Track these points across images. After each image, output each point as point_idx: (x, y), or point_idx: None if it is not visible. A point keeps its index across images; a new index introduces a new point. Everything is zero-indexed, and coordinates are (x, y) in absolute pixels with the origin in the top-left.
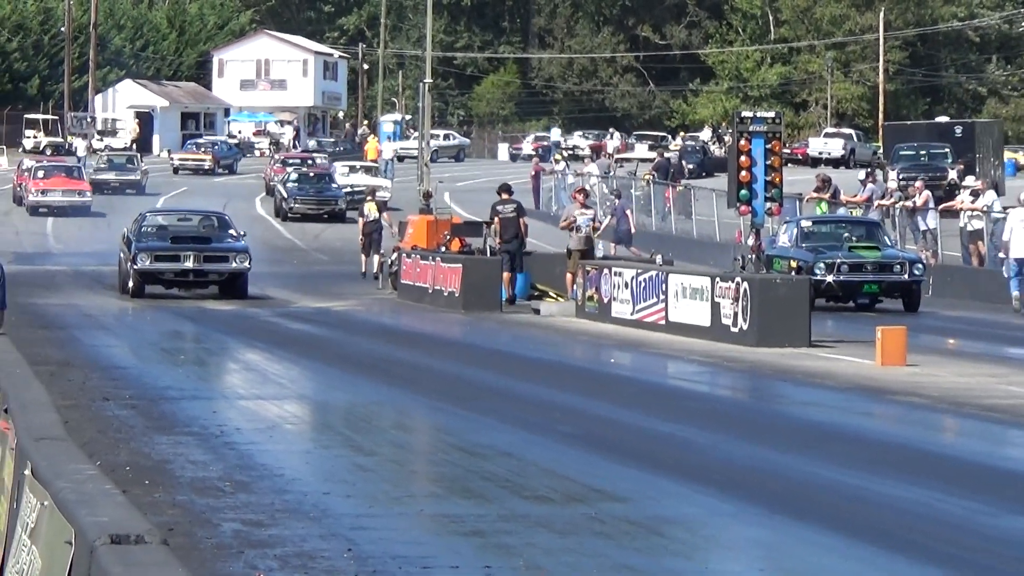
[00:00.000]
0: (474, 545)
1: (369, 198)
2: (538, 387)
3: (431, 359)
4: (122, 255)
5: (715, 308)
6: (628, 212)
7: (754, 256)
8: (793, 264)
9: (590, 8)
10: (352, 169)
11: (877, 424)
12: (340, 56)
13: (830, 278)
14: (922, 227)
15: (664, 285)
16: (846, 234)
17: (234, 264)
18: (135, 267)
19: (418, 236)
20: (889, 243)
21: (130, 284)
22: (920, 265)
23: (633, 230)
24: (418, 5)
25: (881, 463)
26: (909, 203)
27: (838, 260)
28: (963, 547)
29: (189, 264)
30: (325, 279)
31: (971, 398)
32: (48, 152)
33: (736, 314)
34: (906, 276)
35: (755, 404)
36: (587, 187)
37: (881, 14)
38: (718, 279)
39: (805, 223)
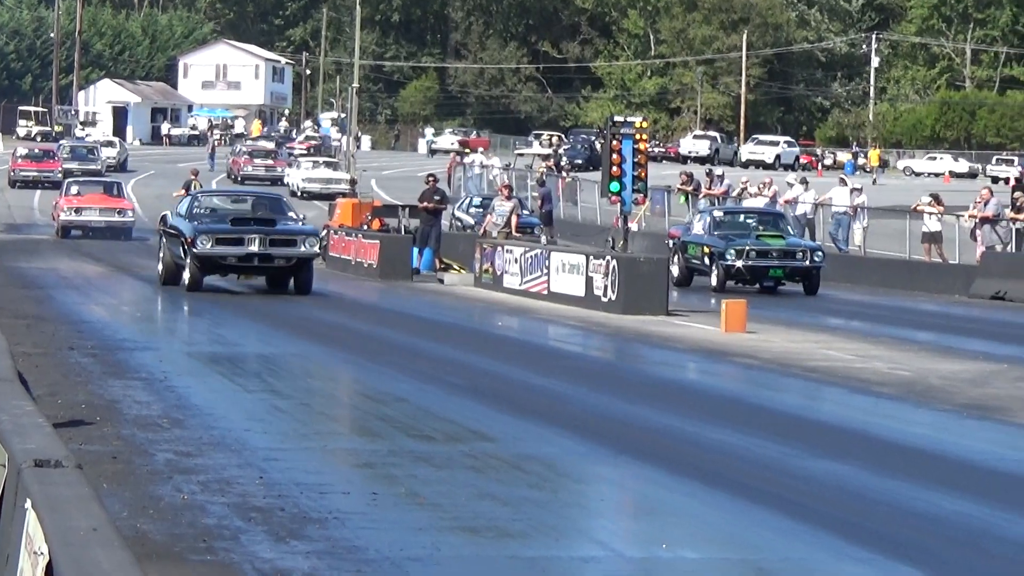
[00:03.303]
0: (365, 475)
1: None
2: (436, 344)
3: (348, 319)
4: (163, 242)
5: (589, 281)
6: (553, 195)
7: (622, 238)
8: (706, 250)
9: (499, 26)
10: (315, 164)
11: (715, 381)
12: (287, 63)
13: (739, 263)
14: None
15: (547, 261)
16: (754, 224)
17: (303, 248)
18: (195, 251)
19: (344, 216)
20: (792, 233)
21: (186, 274)
22: (820, 253)
23: (560, 212)
24: (353, 20)
25: (715, 414)
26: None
27: (747, 247)
28: (776, 484)
29: (254, 248)
30: None
31: (796, 360)
32: (39, 139)
33: (606, 287)
34: (807, 263)
35: (616, 362)
36: (509, 181)
37: (744, 36)
38: (592, 257)
39: (717, 213)
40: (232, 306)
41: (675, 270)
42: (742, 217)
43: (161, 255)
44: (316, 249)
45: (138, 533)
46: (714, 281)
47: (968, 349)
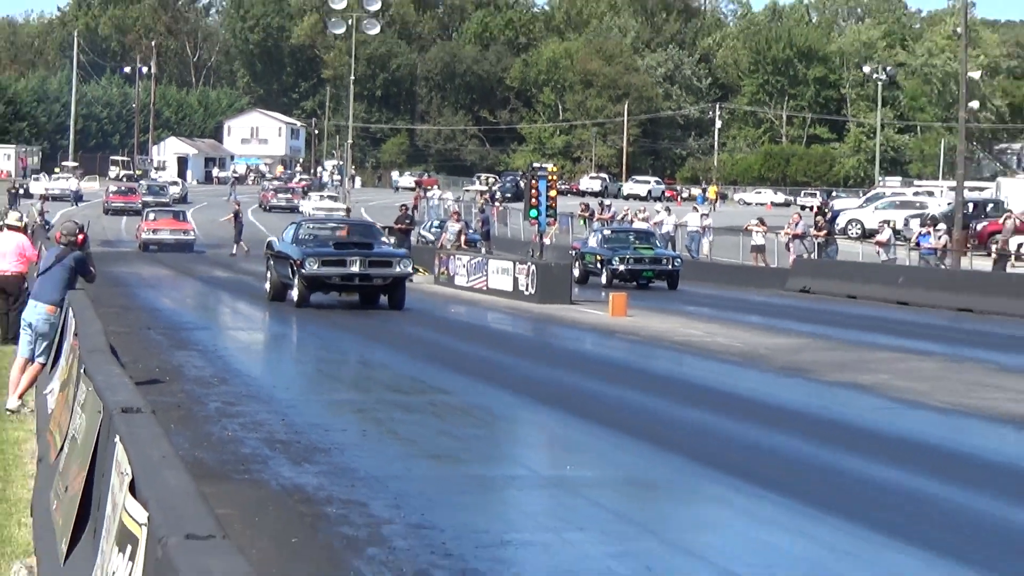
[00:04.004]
0: (357, 419)
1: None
2: (407, 325)
3: (343, 309)
4: (271, 263)
5: (515, 280)
6: (490, 218)
7: (539, 249)
8: (599, 258)
9: (451, 99)
10: (321, 197)
11: (606, 351)
12: (301, 125)
13: (622, 267)
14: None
15: (486, 266)
16: (632, 239)
17: (398, 269)
18: (303, 272)
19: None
20: (659, 245)
21: (293, 292)
22: (679, 259)
23: (494, 232)
24: (348, 96)
25: (607, 375)
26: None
27: (627, 255)
28: (650, 425)
29: (355, 268)
30: None
31: (664, 336)
32: (125, 180)
33: (527, 284)
34: (670, 267)
35: (535, 337)
36: (459, 209)
37: (625, 105)
38: (517, 263)
39: (606, 231)
40: (261, 302)
41: (576, 272)
42: (624, 234)
43: (269, 275)
44: (409, 269)
45: (195, 459)
46: (604, 280)
47: (785, 328)
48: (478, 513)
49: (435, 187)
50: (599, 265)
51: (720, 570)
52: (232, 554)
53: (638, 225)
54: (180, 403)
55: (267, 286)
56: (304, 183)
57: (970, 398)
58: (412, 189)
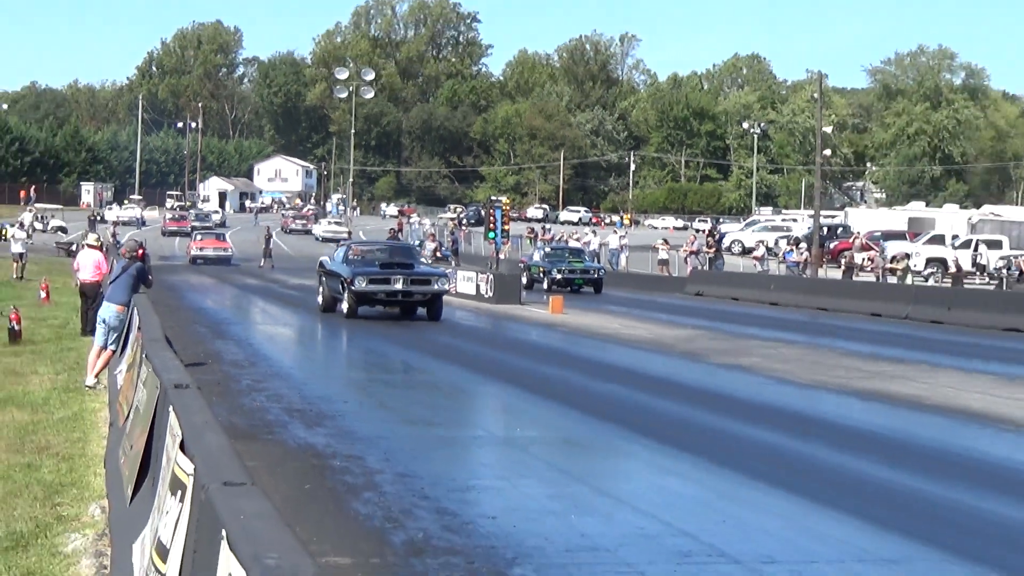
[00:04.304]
0: (356, 392)
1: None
2: (393, 322)
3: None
4: (323, 279)
5: (478, 286)
6: (459, 239)
7: (495, 263)
8: (541, 269)
9: (428, 147)
10: (329, 222)
11: (548, 340)
12: (313, 167)
13: (559, 276)
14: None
15: (455, 275)
16: (567, 254)
17: (436, 286)
18: (353, 288)
19: None
20: (588, 259)
21: (344, 306)
22: (602, 270)
23: (461, 249)
24: (349, 144)
25: (547, 358)
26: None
27: (563, 267)
28: (580, 397)
29: (399, 286)
30: (304, 272)
31: (592, 330)
32: (178, 210)
33: (487, 289)
34: (596, 276)
35: (493, 330)
36: (434, 232)
37: (562, 152)
38: (479, 272)
39: (547, 249)
40: (286, 299)
41: (524, 280)
42: (561, 251)
43: (321, 290)
44: (447, 287)
45: (231, 424)
46: (545, 286)
47: (683, 322)
48: (448, 465)
49: (414, 215)
50: (542, 274)
51: (632, 508)
52: (259, 497)
53: (572, 244)
54: (219, 380)
55: (319, 299)
56: (311, 211)
57: (824, 376)
58: (396, 216)
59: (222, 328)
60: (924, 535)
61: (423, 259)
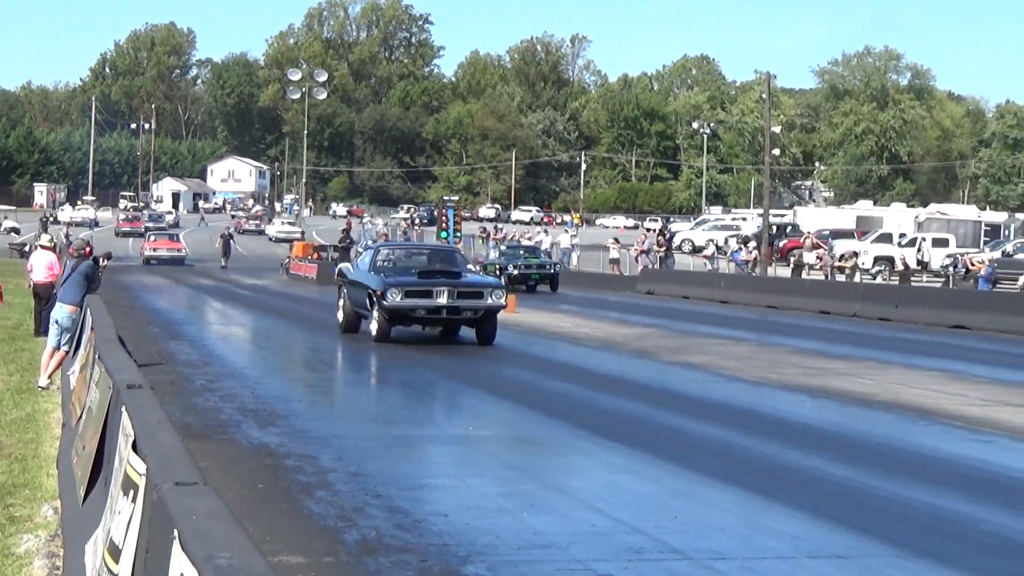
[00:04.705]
0: (310, 391)
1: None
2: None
3: (298, 305)
4: (344, 291)
5: None
6: (412, 239)
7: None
8: (498, 267)
9: (381, 148)
10: (282, 223)
11: (500, 339)
12: (267, 168)
13: (516, 271)
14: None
15: None
16: (523, 252)
17: (490, 300)
18: (385, 304)
19: (298, 251)
20: (542, 257)
21: (372, 325)
22: (557, 266)
23: None
24: (302, 145)
25: (499, 358)
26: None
27: (519, 263)
28: (531, 395)
29: (443, 300)
30: (257, 272)
31: (543, 328)
32: (131, 211)
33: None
34: (552, 272)
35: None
36: (387, 232)
37: (514, 152)
38: None
39: (503, 247)
40: (240, 301)
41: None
42: (516, 249)
43: (341, 304)
44: (503, 301)
45: (184, 424)
46: (503, 283)
47: (634, 321)
48: (401, 463)
49: (365, 215)
50: (498, 272)
51: (584, 505)
52: (212, 497)
53: (525, 243)
54: (173, 381)
55: (339, 316)
56: (260, 212)
57: (774, 373)
58: (345, 216)
59: (176, 328)
60: (875, 531)
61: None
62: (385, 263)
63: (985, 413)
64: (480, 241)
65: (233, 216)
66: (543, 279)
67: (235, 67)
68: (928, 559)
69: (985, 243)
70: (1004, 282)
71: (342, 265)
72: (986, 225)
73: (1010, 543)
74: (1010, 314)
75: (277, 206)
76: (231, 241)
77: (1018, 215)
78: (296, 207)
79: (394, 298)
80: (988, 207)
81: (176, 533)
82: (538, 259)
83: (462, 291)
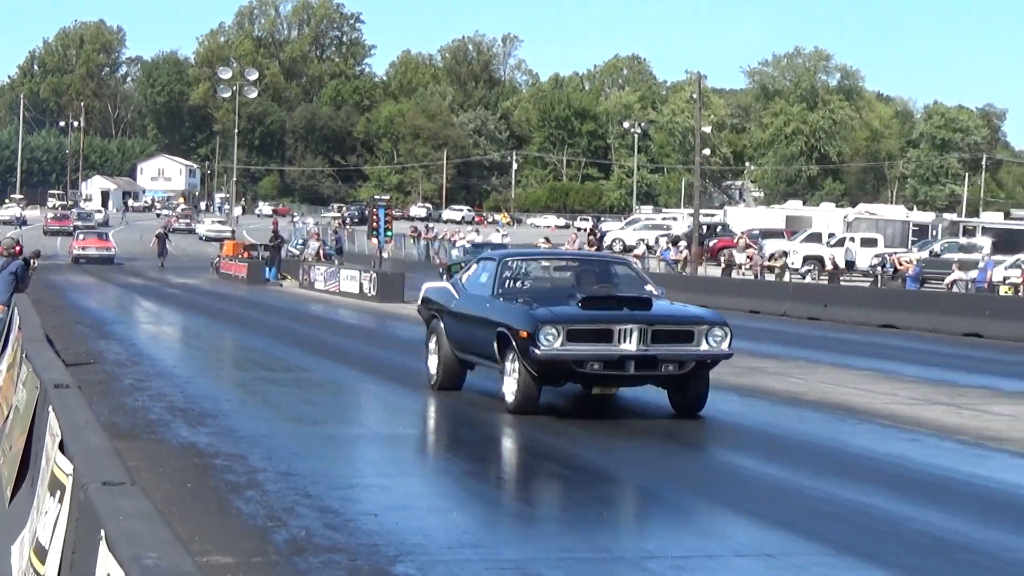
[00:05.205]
0: (239, 391)
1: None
2: (278, 320)
3: (228, 304)
4: (440, 326)
5: (361, 284)
6: (343, 238)
7: (379, 261)
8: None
9: (312, 147)
10: (213, 221)
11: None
12: (197, 167)
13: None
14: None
15: (339, 274)
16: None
17: (704, 345)
18: (538, 352)
19: (228, 250)
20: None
21: (510, 387)
22: None
23: (345, 248)
24: (232, 144)
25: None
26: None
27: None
28: (464, 394)
29: (630, 346)
30: (187, 271)
31: None
32: (60, 209)
33: (370, 287)
34: None
35: (376, 328)
36: (318, 231)
37: (445, 152)
38: (363, 271)
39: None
40: (169, 300)
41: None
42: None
43: (435, 347)
44: (727, 346)
45: (112, 423)
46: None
47: None
48: (332, 463)
49: (288, 214)
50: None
51: (514, 498)
52: (139, 497)
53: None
54: (101, 380)
55: (429, 365)
56: (186, 210)
57: None
58: (270, 216)
59: (105, 327)
60: (804, 529)
61: (307, 257)
62: (520, 283)
63: (913, 412)
64: (411, 240)
65: (158, 215)
66: None
67: (165, 65)
68: (856, 557)
69: (913, 243)
70: (932, 282)
71: (431, 287)
72: (914, 225)
73: (937, 541)
74: (937, 313)
75: (202, 205)
76: (167, 240)
77: (946, 215)
78: (227, 206)
79: (550, 340)
80: (916, 207)
81: (103, 533)
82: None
83: (658, 328)
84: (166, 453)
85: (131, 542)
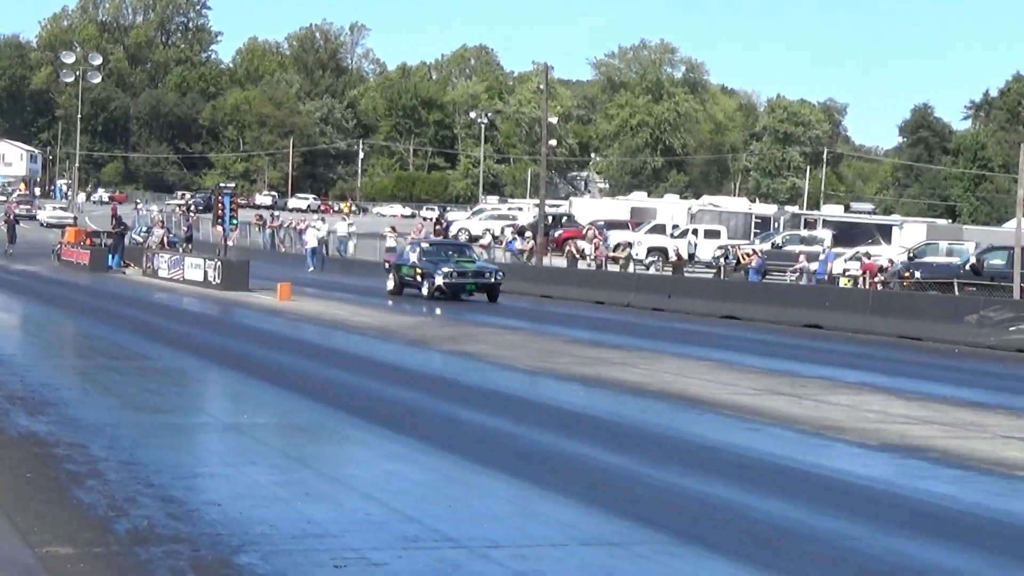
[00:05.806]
0: (80, 379)
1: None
2: (121, 307)
3: (70, 292)
4: (396, 270)
5: (206, 273)
6: (192, 226)
7: (224, 250)
8: (418, 271)
9: (157, 133)
10: (54, 208)
11: (272, 326)
12: (39, 152)
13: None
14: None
15: (183, 262)
16: (452, 252)
17: (493, 279)
18: (437, 283)
19: (71, 237)
20: (480, 259)
21: (425, 293)
22: (500, 273)
23: (194, 235)
24: (75, 130)
25: (270, 343)
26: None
27: (450, 268)
28: (305, 384)
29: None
30: (28, 257)
31: (317, 316)
32: None
33: (215, 275)
34: (492, 279)
35: (219, 316)
36: (162, 218)
37: (291, 140)
38: (207, 259)
39: (423, 245)
40: (8, 287)
41: (391, 285)
42: (442, 248)
43: (393, 278)
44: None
45: None
46: (426, 292)
47: (407, 310)
48: (175, 452)
49: (126, 201)
50: (419, 278)
51: (359, 494)
52: None
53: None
54: None
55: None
56: (24, 196)
57: (549, 362)
58: (107, 203)
59: None
60: (647, 519)
61: (151, 245)
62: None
63: (755, 402)
64: (256, 228)
65: (8, 202)
66: (480, 289)
67: (6, 49)
68: (699, 546)
69: (755, 235)
70: (773, 273)
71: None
72: (756, 217)
73: (777, 529)
74: (778, 305)
75: (37, 191)
76: (15, 226)
77: (787, 208)
78: (70, 192)
79: (441, 279)
80: (758, 200)
81: None
82: (473, 263)
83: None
84: (4, 442)
85: None
